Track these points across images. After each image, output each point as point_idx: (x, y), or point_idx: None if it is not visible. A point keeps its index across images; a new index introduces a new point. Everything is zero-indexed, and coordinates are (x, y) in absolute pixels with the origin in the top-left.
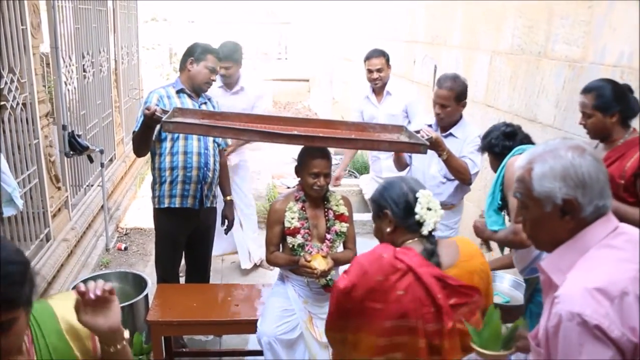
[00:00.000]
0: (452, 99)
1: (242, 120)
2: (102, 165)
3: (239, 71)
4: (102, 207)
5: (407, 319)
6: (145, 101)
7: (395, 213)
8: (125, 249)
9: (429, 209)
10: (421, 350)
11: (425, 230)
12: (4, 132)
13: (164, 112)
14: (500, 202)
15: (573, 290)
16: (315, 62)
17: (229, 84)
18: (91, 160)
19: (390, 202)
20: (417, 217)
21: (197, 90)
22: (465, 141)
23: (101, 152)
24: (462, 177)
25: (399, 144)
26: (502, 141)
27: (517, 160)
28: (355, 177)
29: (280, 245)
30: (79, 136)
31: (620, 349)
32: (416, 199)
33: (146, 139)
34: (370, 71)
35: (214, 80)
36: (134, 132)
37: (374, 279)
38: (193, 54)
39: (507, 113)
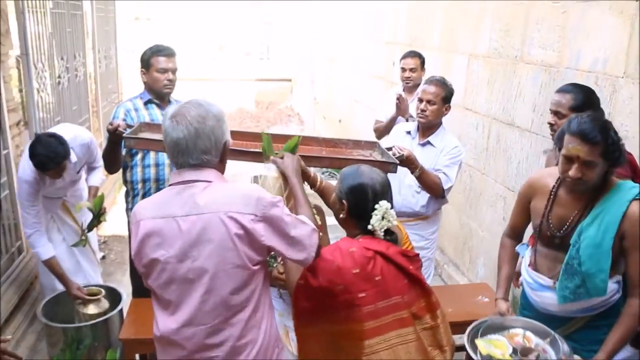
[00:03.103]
0: (440, 97)
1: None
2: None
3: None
4: None
5: (389, 298)
6: (113, 115)
7: (351, 210)
8: (103, 257)
9: (383, 218)
10: (406, 319)
11: (376, 234)
12: None
13: (129, 126)
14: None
15: None
16: (297, 62)
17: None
18: None
19: (350, 199)
20: (369, 226)
21: (161, 97)
22: (442, 151)
23: None
24: (434, 192)
25: (368, 162)
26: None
27: None
28: (334, 176)
29: None
30: None
31: None
32: (374, 208)
33: (114, 155)
34: (403, 70)
35: (170, 81)
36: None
37: (350, 273)
38: (142, 64)
39: (485, 116)
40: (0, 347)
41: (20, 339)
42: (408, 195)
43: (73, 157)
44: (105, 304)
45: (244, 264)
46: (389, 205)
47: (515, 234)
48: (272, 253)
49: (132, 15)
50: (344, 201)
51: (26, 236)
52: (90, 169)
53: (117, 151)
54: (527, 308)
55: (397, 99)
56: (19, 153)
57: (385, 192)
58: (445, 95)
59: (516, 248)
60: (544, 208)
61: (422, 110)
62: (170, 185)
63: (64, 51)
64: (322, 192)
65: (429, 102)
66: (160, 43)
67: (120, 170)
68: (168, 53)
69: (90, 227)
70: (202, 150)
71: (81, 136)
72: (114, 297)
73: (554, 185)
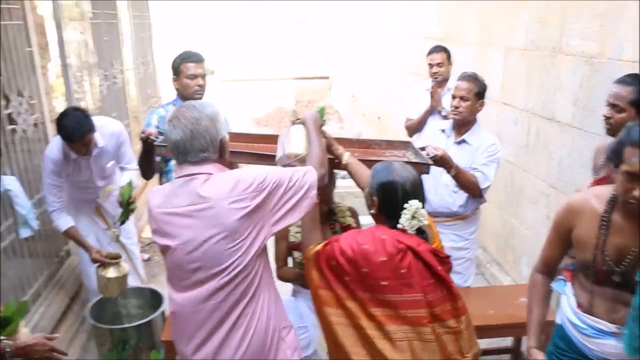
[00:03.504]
0: (472, 92)
1: (240, 140)
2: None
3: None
4: None
5: (411, 294)
6: (146, 122)
7: (381, 207)
8: (148, 259)
9: (413, 217)
10: (423, 318)
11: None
12: (16, 153)
13: (161, 133)
14: None
15: None
16: (334, 59)
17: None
18: None
19: (380, 196)
20: (399, 225)
21: None
22: (478, 150)
23: None
24: (471, 192)
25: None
26: None
27: None
28: None
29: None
30: None
31: None
32: (404, 207)
33: (148, 162)
34: (430, 65)
35: (200, 86)
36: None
37: (377, 259)
38: (173, 71)
39: (523, 112)
40: (47, 345)
41: (73, 339)
42: (445, 195)
43: (100, 141)
44: (124, 268)
45: (246, 243)
46: (419, 204)
47: (548, 269)
48: None
49: (168, 19)
50: (374, 197)
51: (48, 213)
52: (121, 169)
53: (151, 158)
54: (568, 352)
55: (431, 88)
56: None
57: (416, 191)
58: (478, 90)
59: (552, 285)
60: (595, 238)
61: (455, 107)
62: (176, 178)
63: (102, 60)
64: (351, 171)
65: (461, 98)
66: (190, 49)
67: (157, 176)
68: (197, 59)
69: (123, 219)
70: (199, 149)
71: (111, 126)
72: (156, 299)
73: (605, 210)
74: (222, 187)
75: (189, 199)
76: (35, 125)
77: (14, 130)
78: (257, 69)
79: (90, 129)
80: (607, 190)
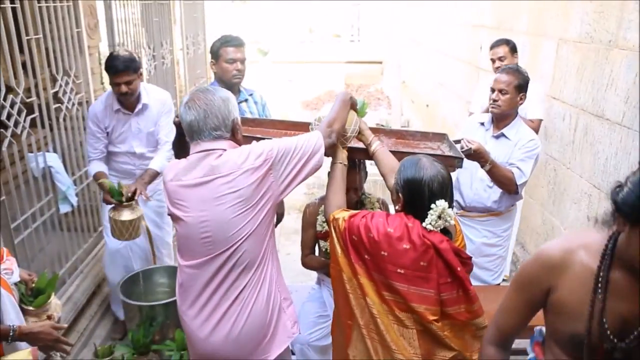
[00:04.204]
0: (512, 85)
1: (276, 127)
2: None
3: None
4: None
5: (426, 288)
6: None
7: (407, 205)
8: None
9: (439, 217)
10: (429, 314)
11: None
12: (60, 131)
13: None
14: None
15: None
16: (387, 44)
17: (130, 104)
18: None
19: (406, 193)
20: (424, 224)
21: (230, 87)
22: (516, 145)
23: None
24: (506, 188)
25: (432, 156)
26: None
27: None
28: None
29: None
30: None
31: None
32: (430, 207)
33: (182, 145)
34: (493, 60)
35: (239, 70)
36: None
37: (401, 246)
38: (212, 55)
39: (572, 107)
40: (53, 335)
41: (104, 313)
42: (480, 189)
43: (144, 97)
44: (138, 211)
45: (255, 209)
46: (446, 205)
47: (505, 341)
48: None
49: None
50: (400, 194)
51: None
52: (157, 145)
53: (184, 142)
54: None
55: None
56: None
57: (443, 190)
58: (518, 83)
59: None
60: (589, 304)
61: (494, 100)
62: (191, 154)
63: (151, 40)
64: (377, 160)
65: (500, 91)
66: (244, 30)
67: None
68: (237, 43)
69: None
70: (212, 127)
71: (158, 91)
72: None
73: (599, 266)
74: (235, 159)
75: (203, 171)
76: (80, 104)
77: (59, 109)
78: (309, 51)
79: (136, 67)
80: (597, 240)
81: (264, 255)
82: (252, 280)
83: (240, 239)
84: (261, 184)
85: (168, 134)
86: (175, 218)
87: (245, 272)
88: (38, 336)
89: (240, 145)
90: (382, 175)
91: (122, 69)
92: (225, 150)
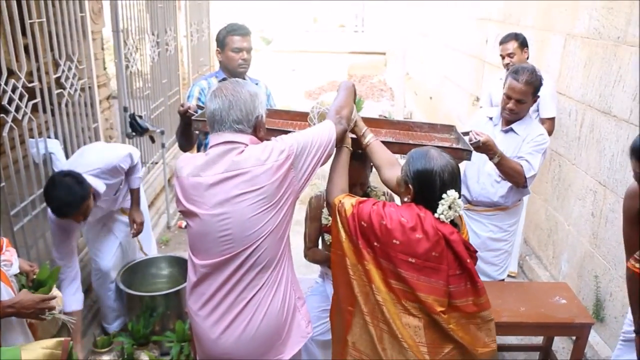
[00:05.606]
0: (529, 93)
1: (282, 117)
2: (162, 145)
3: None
4: (164, 185)
5: (436, 279)
6: (188, 94)
7: (417, 196)
8: (186, 227)
9: (450, 207)
10: (436, 305)
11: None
12: (61, 117)
13: (200, 107)
14: None
15: None
16: (392, 35)
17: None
18: (153, 140)
19: (416, 184)
20: (435, 215)
21: (236, 76)
22: (525, 139)
23: (162, 132)
24: (514, 180)
25: (440, 148)
26: None
27: None
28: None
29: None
30: (140, 117)
31: None
32: (441, 197)
33: (187, 135)
34: (502, 57)
35: (245, 60)
36: None
37: (414, 235)
38: (217, 43)
39: (579, 103)
40: (35, 298)
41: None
42: (487, 184)
43: (101, 187)
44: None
45: (277, 207)
46: (456, 195)
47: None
48: None
49: None
50: (410, 185)
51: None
52: (127, 174)
53: (189, 132)
54: None
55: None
56: (107, 126)
57: (454, 180)
58: (534, 89)
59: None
60: None
61: (511, 110)
62: (211, 147)
63: (155, 26)
64: (370, 152)
65: (518, 101)
66: (248, 18)
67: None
68: (243, 32)
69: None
70: (234, 120)
71: (108, 159)
72: (185, 268)
73: None
74: (258, 155)
75: (224, 167)
76: (82, 89)
77: (61, 94)
78: (312, 41)
79: (85, 196)
80: None
81: (282, 254)
82: (269, 280)
83: (261, 238)
84: (283, 181)
85: (134, 171)
86: (189, 214)
87: (263, 272)
88: (24, 304)
89: (261, 141)
90: (376, 167)
91: (71, 213)
92: (247, 145)
